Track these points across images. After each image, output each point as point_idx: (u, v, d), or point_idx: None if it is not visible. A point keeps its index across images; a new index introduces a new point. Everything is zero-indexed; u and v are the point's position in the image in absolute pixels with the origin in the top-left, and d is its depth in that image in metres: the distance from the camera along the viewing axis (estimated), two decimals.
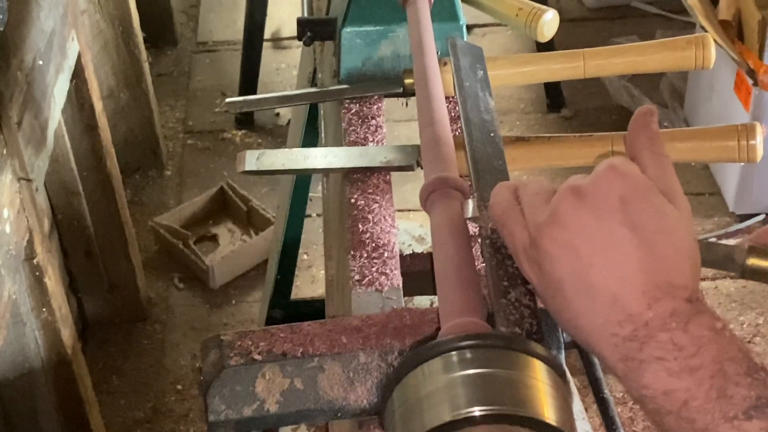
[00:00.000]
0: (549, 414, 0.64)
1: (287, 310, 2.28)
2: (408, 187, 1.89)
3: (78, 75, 2.22)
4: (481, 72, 1.02)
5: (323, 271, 2.00)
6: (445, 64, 1.15)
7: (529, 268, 0.71)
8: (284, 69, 3.64)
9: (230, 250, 2.88)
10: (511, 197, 0.74)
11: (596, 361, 0.92)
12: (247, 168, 1.12)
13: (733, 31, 2.66)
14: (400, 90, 1.24)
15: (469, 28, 1.41)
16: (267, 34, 3.47)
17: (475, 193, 0.84)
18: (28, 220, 1.74)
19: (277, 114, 3.45)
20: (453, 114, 1.13)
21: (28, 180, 1.77)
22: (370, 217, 1.05)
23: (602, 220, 0.67)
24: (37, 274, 1.77)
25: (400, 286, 0.97)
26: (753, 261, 0.74)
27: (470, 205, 0.81)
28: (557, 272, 0.68)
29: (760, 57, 2.59)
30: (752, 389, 0.61)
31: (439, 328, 0.74)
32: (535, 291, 0.73)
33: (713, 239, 2.85)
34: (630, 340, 0.65)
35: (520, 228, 0.72)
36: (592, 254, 0.67)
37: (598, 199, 0.68)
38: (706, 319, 0.64)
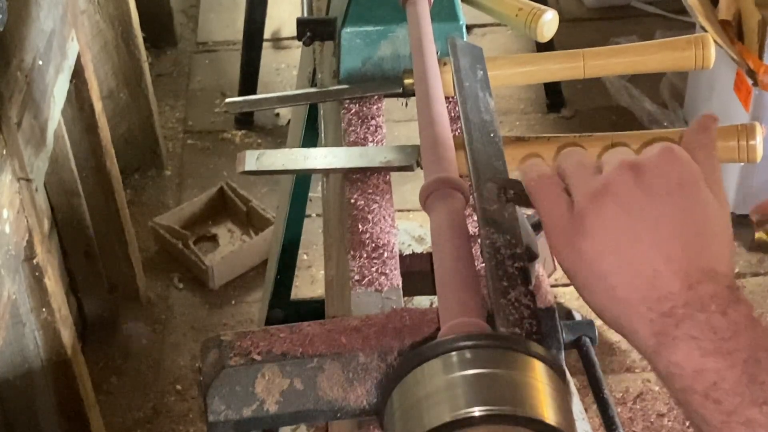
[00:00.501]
0: (549, 414, 0.64)
1: (287, 310, 2.27)
2: (408, 187, 1.89)
3: (78, 75, 2.22)
4: (481, 72, 1.02)
5: (323, 271, 2.00)
6: (445, 64, 1.15)
7: (564, 238, 0.72)
8: (284, 69, 3.64)
9: (230, 250, 2.88)
10: (546, 168, 0.75)
11: (596, 361, 0.92)
12: (247, 168, 1.12)
13: (733, 31, 2.66)
14: (400, 90, 1.24)
15: (469, 28, 1.41)
16: (267, 34, 3.47)
17: (474, 192, 0.83)
18: (27, 221, 1.74)
19: (277, 114, 3.44)
20: (453, 114, 1.12)
21: (28, 180, 1.77)
22: (369, 217, 1.04)
23: (657, 198, 0.69)
24: (37, 274, 1.77)
25: (400, 286, 0.97)
26: (760, 235, 0.75)
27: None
28: (599, 243, 0.69)
29: (760, 57, 2.59)
30: None
31: (438, 329, 0.74)
32: (561, 262, 0.72)
33: None
34: (667, 317, 0.65)
35: (556, 197, 0.73)
36: (641, 229, 0.68)
37: (656, 178, 0.69)
38: (744, 307, 0.65)
